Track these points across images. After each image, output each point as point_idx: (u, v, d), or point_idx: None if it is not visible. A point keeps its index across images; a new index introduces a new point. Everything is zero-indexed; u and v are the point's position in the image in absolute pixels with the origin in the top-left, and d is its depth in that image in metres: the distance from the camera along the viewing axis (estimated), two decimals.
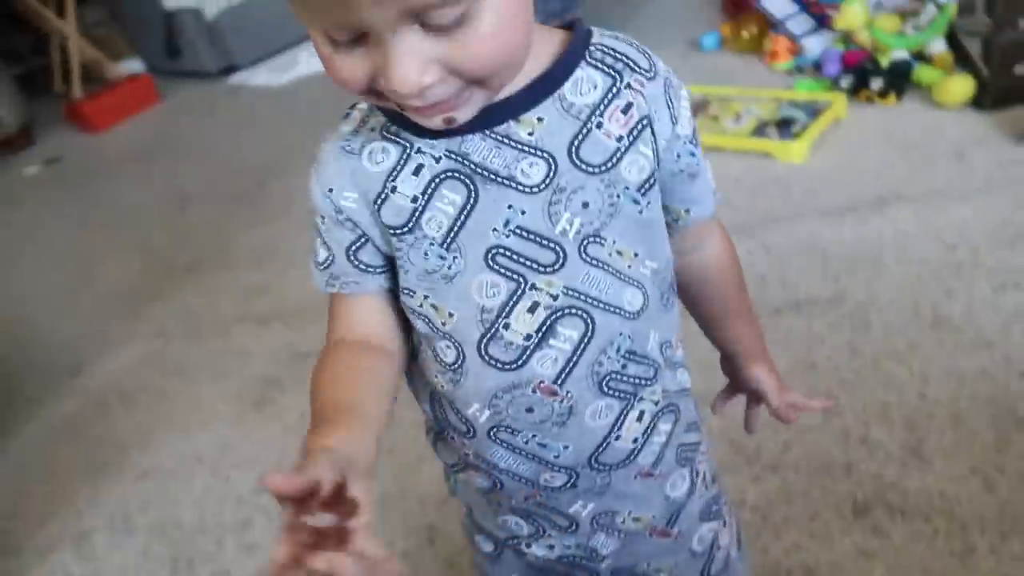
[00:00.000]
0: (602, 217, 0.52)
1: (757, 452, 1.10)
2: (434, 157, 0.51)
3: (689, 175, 0.55)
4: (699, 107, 1.94)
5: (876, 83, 1.78)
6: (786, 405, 0.69)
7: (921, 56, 1.83)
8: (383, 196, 0.52)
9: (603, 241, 0.52)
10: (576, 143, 0.50)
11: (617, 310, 0.54)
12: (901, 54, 1.83)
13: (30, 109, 3.31)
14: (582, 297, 0.53)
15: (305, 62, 3.27)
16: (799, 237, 1.47)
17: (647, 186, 0.52)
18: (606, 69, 0.51)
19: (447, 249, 0.52)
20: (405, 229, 0.52)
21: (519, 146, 0.50)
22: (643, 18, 2.68)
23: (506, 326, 0.53)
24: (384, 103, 0.48)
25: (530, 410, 0.55)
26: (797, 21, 2.08)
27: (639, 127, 0.51)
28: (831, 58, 1.93)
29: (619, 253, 0.53)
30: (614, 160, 0.51)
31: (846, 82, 1.84)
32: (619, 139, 0.51)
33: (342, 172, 0.53)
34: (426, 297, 0.54)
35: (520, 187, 0.50)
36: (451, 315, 0.53)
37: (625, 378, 0.56)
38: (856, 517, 0.99)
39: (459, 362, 0.55)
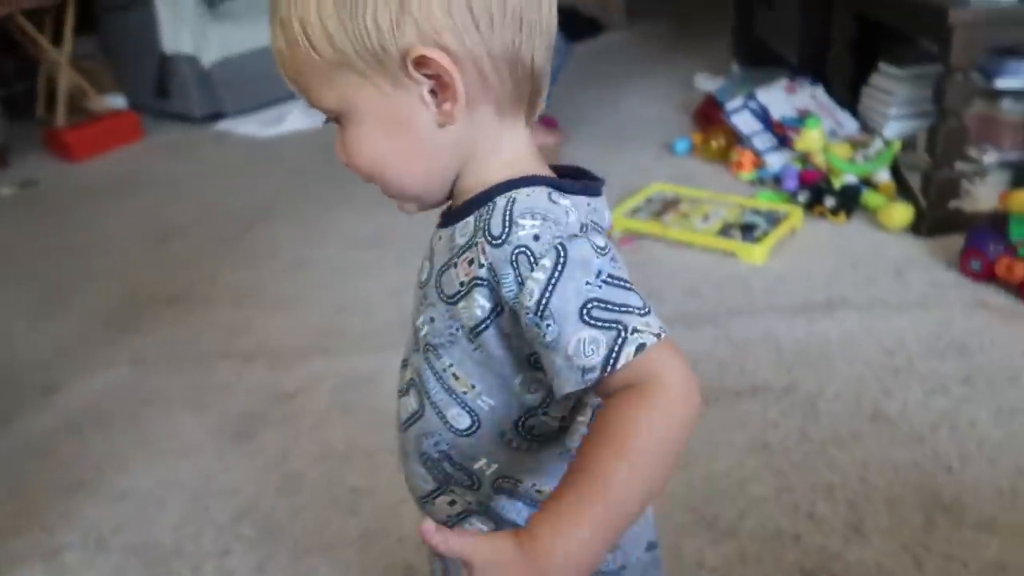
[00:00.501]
0: (441, 339, 0.57)
1: (716, 519, 1.21)
2: None
3: (540, 344, 0.50)
4: (670, 204, 2.13)
5: (829, 201, 1.98)
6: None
7: (868, 182, 2.05)
8: None
9: (439, 357, 0.58)
10: (443, 269, 0.57)
11: (441, 417, 0.60)
12: (851, 178, 2.05)
13: (8, 132, 3.33)
14: (422, 386, 0.60)
15: (293, 119, 3.40)
16: (757, 330, 1.62)
17: (475, 332, 0.55)
18: (476, 225, 0.54)
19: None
20: None
21: (430, 248, 0.60)
22: (621, 119, 2.90)
23: (404, 365, 0.64)
24: None
25: (397, 430, 0.66)
26: (761, 138, 2.31)
27: (474, 282, 0.54)
28: (790, 174, 2.14)
29: (455, 377, 0.58)
30: (455, 298, 0.55)
31: (803, 197, 2.04)
32: (461, 283, 0.55)
33: None
34: None
35: (418, 277, 0.61)
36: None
37: (439, 467, 0.62)
38: None
39: None
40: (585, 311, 0.49)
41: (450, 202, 0.60)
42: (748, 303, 1.73)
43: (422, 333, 0.59)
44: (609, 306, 0.49)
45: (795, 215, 1.98)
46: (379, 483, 1.36)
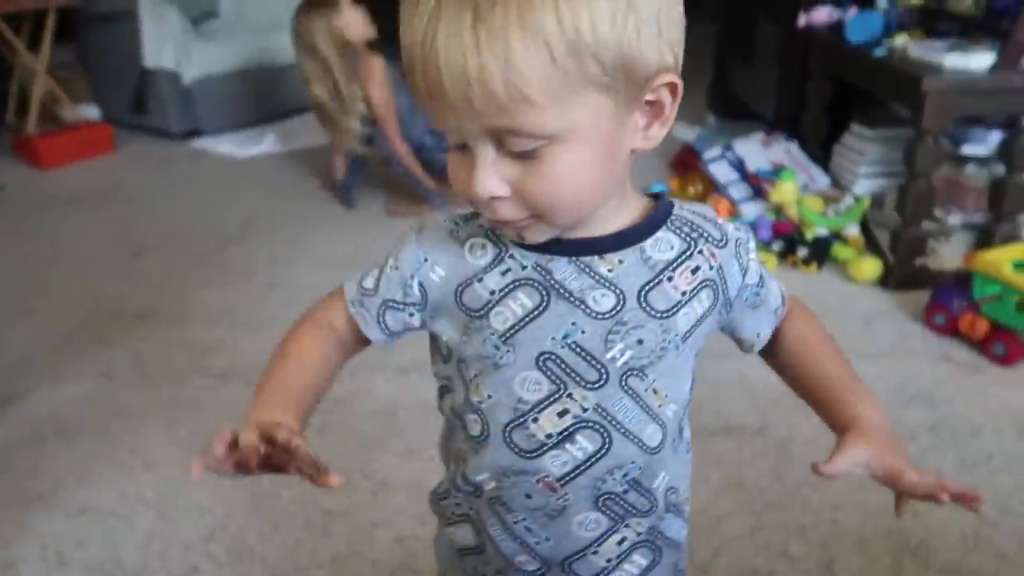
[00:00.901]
0: (651, 357, 0.59)
1: (691, 555, 1.21)
2: (522, 265, 0.58)
3: (751, 307, 0.65)
4: None
5: (802, 252, 2.05)
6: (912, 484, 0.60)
7: (839, 236, 2.12)
8: (469, 283, 0.59)
9: (644, 377, 0.59)
10: (646, 289, 0.58)
11: (637, 440, 0.60)
12: (823, 231, 2.12)
13: None
14: (609, 418, 0.59)
15: (271, 141, 3.39)
16: (732, 371, 1.65)
17: (688, 334, 0.60)
18: (683, 236, 0.60)
19: (503, 342, 0.58)
20: (477, 315, 0.59)
21: (597, 277, 0.57)
22: None
23: (535, 420, 0.59)
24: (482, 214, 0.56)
25: (528, 496, 0.61)
26: (737, 188, 2.37)
27: (701, 286, 0.59)
28: (764, 224, 2.20)
29: (654, 392, 0.60)
30: (674, 310, 0.59)
31: (777, 247, 2.11)
32: (683, 293, 0.59)
33: (444, 251, 0.60)
34: (476, 376, 0.60)
35: (588, 311, 0.57)
36: (489, 396, 0.60)
37: (621, 502, 0.62)
38: None
39: (483, 436, 0.61)
40: (764, 269, 0.66)
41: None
42: (723, 345, 1.75)
43: (621, 361, 0.58)
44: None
45: (769, 263, 2.03)
46: (353, 506, 1.34)
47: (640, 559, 0.66)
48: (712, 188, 2.43)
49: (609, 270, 0.57)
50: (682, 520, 0.69)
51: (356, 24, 2.44)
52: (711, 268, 0.60)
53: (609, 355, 0.58)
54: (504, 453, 0.61)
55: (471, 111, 0.48)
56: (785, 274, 2.05)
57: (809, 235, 2.10)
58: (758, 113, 2.86)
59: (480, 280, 0.59)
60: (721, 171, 2.41)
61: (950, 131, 1.95)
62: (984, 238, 1.94)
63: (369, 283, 0.63)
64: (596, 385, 0.58)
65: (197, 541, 1.29)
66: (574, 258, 0.57)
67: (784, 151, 2.47)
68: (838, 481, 1.35)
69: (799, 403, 1.54)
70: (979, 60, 1.80)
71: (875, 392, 1.58)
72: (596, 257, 0.57)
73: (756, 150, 2.47)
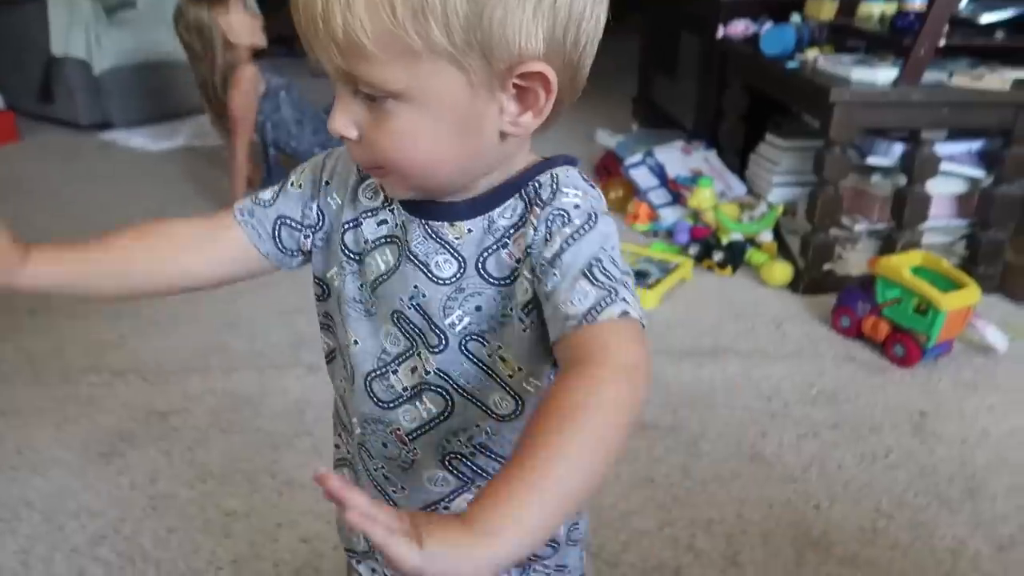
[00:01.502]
0: (491, 323, 0.57)
1: (600, 549, 1.21)
2: (394, 221, 0.59)
3: (542, 295, 0.53)
4: None
5: (717, 256, 2.09)
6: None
7: (753, 241, 2.18)
8: (353, 224, 0.60)
9: (486, 343, 0.57)
10: (485, 256, 0.56)
11: (480, 405, 0.59)
12: (738, 236, 2.17)
13: None
14: (450, 382, 0.59)
15: (185, 135, 3.28)
16: None
17: (530, 307, 0.55)
18: (526, 200, 0.55)
19: (372, 292, 0.60)
20: (354, 258, 0.60)
21: (442, 243, 0.57)
22: None
23: (394, 372, 0.60)
24: None
25: (385, 445, 0.63)
26: (657, 193, 2.41)
27: (527, 252, 0.54)
28: (682, 229, 2.24)
29: (502, 360, 0.57)
30: (511, 278, 0.55)
31: (693, 250, 2.14)
32: (517, 261, 0.55)
33: (343, 182, 0.61)
34: (346, 318, 0.61)
35: (430, 275, 0.57)
36: (356, 343, 0.61)
37: (469, 463, 0.62)
38: None
39: (351, 380, 0.63)
40: (588, 269, 0.51)
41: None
42: None
43: (460, 327, 0.57)
44: (609, 274, 0.51)
45: (686, 266, 2.07)
46: (256, 506, 1.29)
47: None
48: (633, 193, 2.46)
49: (456, 237, 0.56)
50: None
51: (243, 28, 2.32)
52: (533, 229, 0.54)
53: (448, 321, 0.57)
54: (365, 400, 0.62)
55: (321, 48, 0.48)
56: (702, 276, 2.09)
57: (725, 240, 2.15)
58: (679, 123, 2.92)
59: (360, 225, 0.60)
60: (642, 176, 2.45)
61: (857, 142, 2.03)
62: (887, 245, 2.02)
63: (267, 195, 0.63)
64: (436, 349, 0.58)
65: (85, 545, 1.21)
66: (424, 222, 0.57)
67: (703, 159, 2.52)
68: (744, 478, 1.38)
69: (710, 402, 1.58)
70: (883, 74, 1.87)
71: (783, 391, 1.63)
72: (446, 224, 0.57)
73: (676, 158, 2.52)
